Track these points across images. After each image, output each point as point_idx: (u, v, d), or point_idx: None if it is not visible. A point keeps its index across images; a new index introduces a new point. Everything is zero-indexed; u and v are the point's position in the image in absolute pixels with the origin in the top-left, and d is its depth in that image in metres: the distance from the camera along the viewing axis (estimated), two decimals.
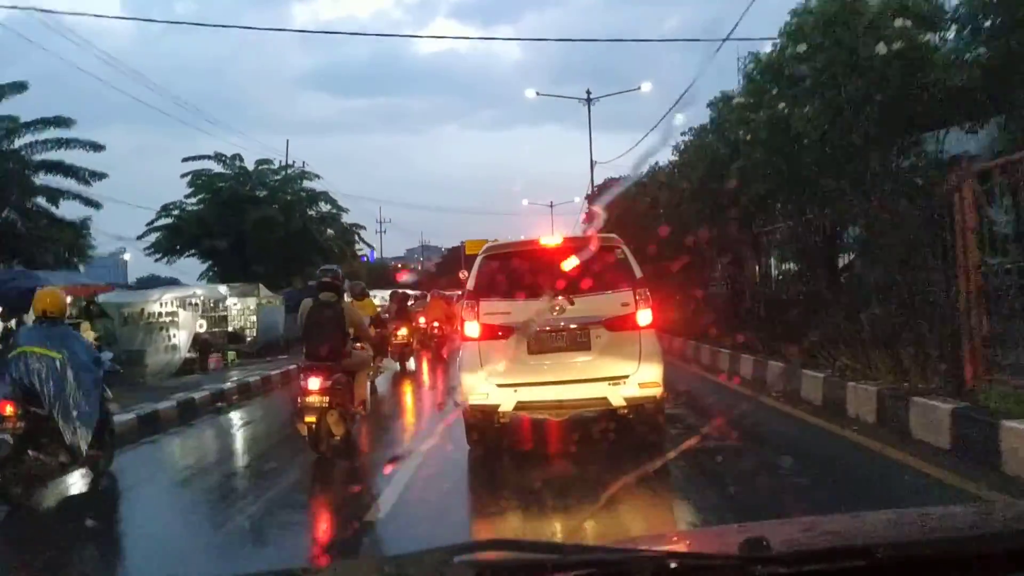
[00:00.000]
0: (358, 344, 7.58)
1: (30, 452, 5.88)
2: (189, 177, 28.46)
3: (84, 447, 6.06)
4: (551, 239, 6.86)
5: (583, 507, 4.84)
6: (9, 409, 5.80)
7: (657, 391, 6.22)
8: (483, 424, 6.47)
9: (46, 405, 5.95)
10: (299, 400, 6.59)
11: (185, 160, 28.79)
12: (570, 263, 6.13)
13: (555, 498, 5.17)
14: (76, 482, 6.54)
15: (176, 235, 27.87)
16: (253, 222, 26.56)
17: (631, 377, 6.15)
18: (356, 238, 34.04)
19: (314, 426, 6.49)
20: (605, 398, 6.16)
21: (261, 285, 22.96)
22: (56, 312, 6.50)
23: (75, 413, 6.07)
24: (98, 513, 5.96)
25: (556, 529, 4.67)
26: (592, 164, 30.18)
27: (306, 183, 31.64)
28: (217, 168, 28.96)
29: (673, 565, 1.23)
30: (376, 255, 53.55)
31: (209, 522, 5.67)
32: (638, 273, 6.53)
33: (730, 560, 1.26)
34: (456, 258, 45.10)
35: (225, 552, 4.82)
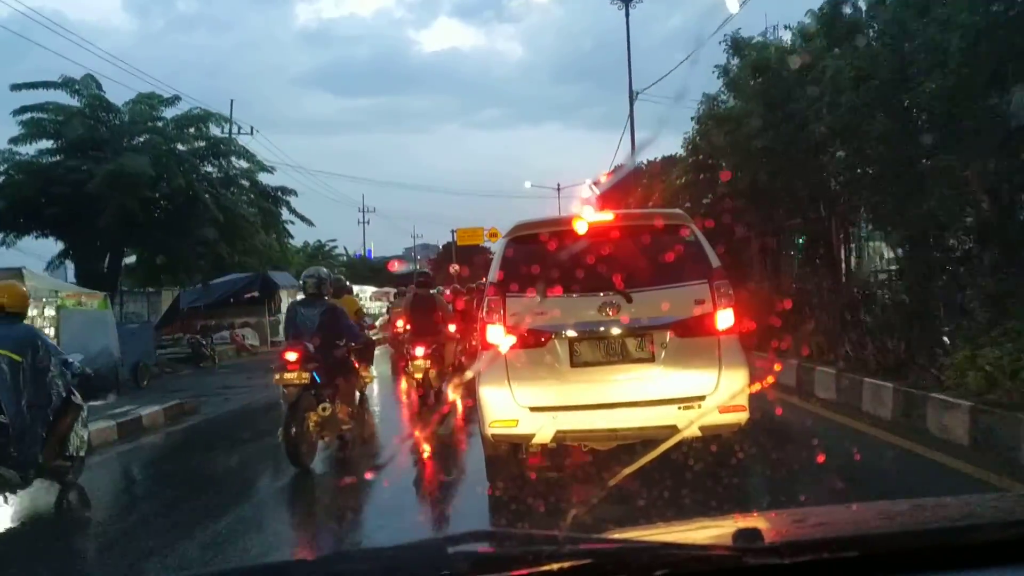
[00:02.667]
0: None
1: None
2: (26, 116, 18.36)
3: (44, 459, 5.65)
4: (599, 215, 5.49)
5: None
6: None
7: (742, 416, 4.92)
8: (508, 458, 5.42)
9: (6, 414, 5.42)
10: (408, 363, 9.66)
11: (16, 88, 18.36)
12: (625, 247, 5.08)
13: None
14: (40, 495, 6.00)
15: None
16: (105, 179, 16.56)
17: (709, 398, 4.87)
18: (286, 210, 23.78)
19: (422, 379, 9.49)
20: (674, 426, 4.79)
21: (27, 270, 13.01)
22: (16, 308, 5.87)
23: (35, 422, 5.59)
24: (66, 530, 5.61)
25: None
26: (632, 95, 22.03)
27: (215, 131, 21.66)
28: (72, 102, 18.98)
29: (668, 555, 1.24)
30: (373, 253, 53.04)
31: None
32: (715, 261, 5.20)
33: (724, 550, 1.27)
34: (450, 253, 44.18)
35: None
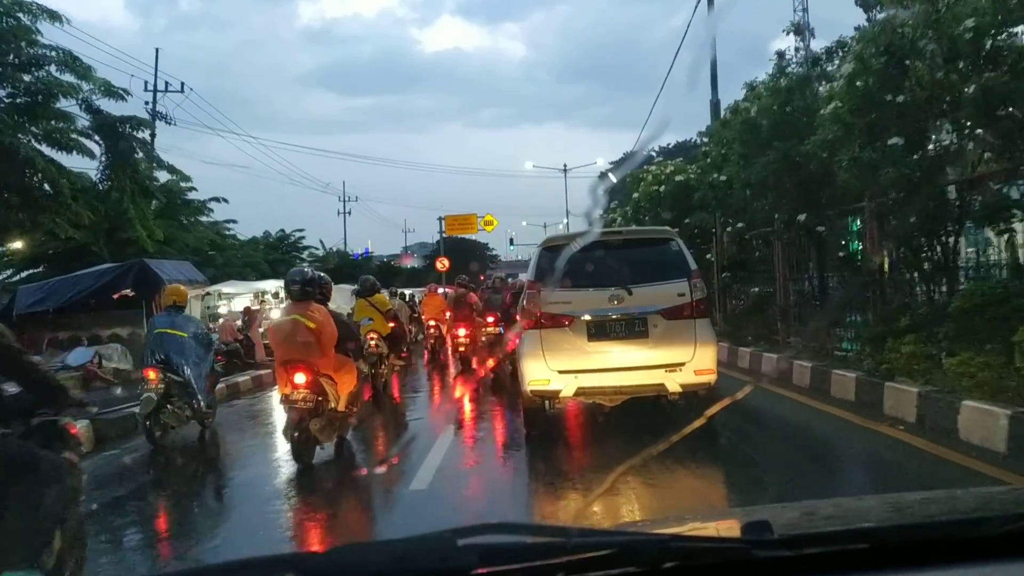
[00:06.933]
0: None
1: (168, 407, 8.03)
2: None
3: (202, 406, 8.21)
4: (607, 230, 7.29)
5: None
6: (152, 374, 7.96)
7: (711, 378, 6.47)
8: (540, 410, 7.05)
9: (178, 373, 8.00)
10: (455, 339, 14.30)
11: None
12: (627, 254, 6.77)
13: None
14: (193, 431, 8.63)
15: None
16: None
17: (687, 364, 6.39)
18: (142, 157, 16.68)
19: (466, 351, 13.95)
20: (662, 384, 6.41)
21: None
22: (182, 302, 8.50)
23: (195, 380, 8.13)
24: (212, 453, 8.30)
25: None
26: None
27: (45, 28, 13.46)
28: None
29: (677, 547, 1.24)
30: (371, 251, 50.82)
31: None
32: (692, 264, 6.81)
33: (734, 543, 1.26)
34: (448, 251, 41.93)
35: None
